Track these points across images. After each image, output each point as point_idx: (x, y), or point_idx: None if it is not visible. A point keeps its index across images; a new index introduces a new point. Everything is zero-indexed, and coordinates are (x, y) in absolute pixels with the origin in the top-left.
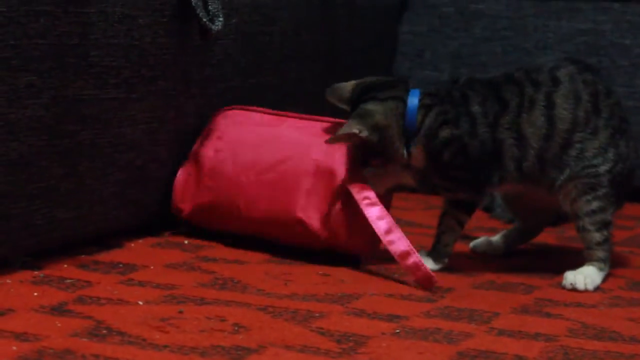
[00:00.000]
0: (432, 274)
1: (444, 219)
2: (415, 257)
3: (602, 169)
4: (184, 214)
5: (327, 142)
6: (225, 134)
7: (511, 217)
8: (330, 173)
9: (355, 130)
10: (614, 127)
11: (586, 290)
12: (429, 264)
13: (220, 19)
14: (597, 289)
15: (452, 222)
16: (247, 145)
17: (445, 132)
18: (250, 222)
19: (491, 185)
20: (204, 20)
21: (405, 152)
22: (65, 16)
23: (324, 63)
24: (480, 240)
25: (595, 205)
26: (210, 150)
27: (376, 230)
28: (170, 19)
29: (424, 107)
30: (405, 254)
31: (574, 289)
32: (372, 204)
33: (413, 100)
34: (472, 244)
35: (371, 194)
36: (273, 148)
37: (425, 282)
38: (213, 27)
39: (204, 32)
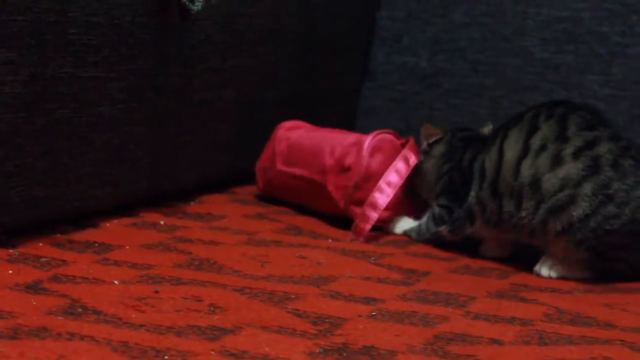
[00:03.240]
0: (365, 230)
1: None
2: (370, 211)
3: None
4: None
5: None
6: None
7: None
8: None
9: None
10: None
11: (549, 277)
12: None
13: None
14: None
15: None
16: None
17: None
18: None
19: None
20: (184, 0)
21: None
22: None
23: (302, 46)
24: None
25: None
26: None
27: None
28: None
29: None
30: (372, 205)
31: (538, 275)
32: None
33: None
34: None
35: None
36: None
37: (355, 231)
38: (193, 7)
39: (184, 12)
